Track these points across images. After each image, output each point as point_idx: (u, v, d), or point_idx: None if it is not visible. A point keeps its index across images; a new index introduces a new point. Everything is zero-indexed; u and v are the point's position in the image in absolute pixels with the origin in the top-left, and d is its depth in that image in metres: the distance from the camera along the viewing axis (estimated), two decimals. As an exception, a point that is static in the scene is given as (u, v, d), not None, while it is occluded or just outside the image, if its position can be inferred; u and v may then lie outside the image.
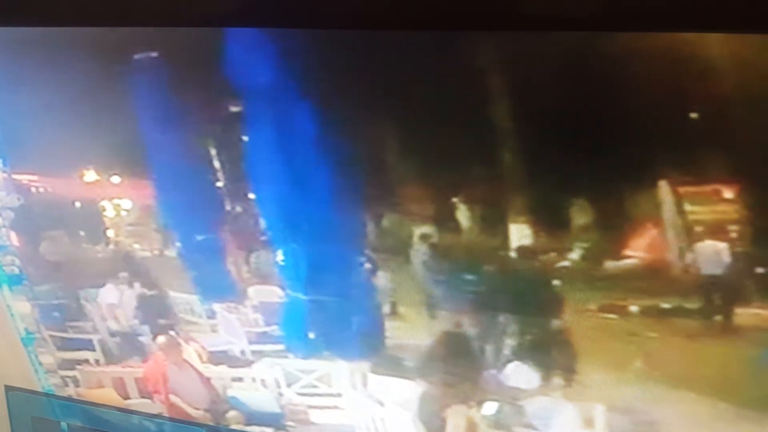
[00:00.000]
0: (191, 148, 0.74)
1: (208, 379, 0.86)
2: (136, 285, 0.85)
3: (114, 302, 0.86)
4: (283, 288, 0.77)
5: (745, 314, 0.58)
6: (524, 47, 0.57)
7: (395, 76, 0.62)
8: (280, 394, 0.82)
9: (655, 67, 0.53)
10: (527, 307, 0.66)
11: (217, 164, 0.74)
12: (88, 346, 0.90)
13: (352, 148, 0.67)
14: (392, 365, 0.75)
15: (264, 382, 0.82)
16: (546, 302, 0.65)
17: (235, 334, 0.82)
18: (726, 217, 0.56)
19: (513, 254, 0.64)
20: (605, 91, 0.56)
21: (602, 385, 0.65)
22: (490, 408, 0.71)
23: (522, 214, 0.63)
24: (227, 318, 0.82)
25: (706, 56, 0.52)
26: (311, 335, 0.78)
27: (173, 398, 0.88)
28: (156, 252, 0.82)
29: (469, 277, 0.68)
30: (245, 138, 0.71)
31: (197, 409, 0.87)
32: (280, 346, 0.80)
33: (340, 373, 0.78)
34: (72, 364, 0.92)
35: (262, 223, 0.75)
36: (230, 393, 0.85)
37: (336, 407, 0.80)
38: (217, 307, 0.82)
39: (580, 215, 0.61)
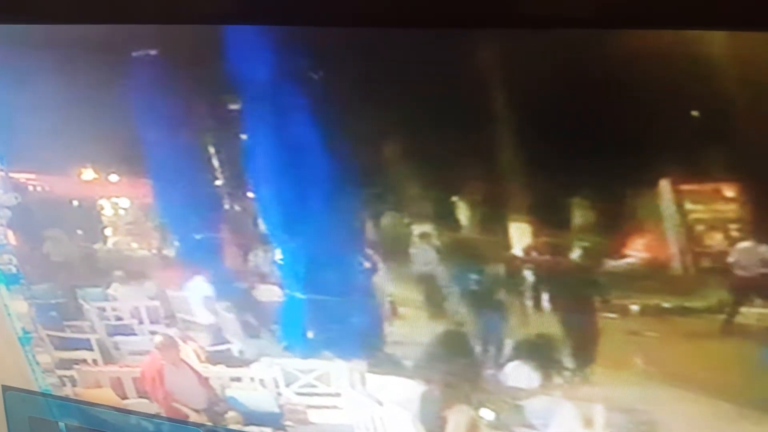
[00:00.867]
0: (189, 147, 0.74)
1: (206, 379, 0.85)
2: (134, 284, 0.85)
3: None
4: (281, 287, 0.77)
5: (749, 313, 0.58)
6: (523, 45, 0.57)
7: (394, 74, 0.62)
8: (279, 394, 0.82)
9: (655, 65, 0.53)
10: (537, 305, 0.66)
11: (215, 163, 0.73)
12: (85, 345, 0.89)
13: (351, 146, 0.66)
14: (391, 364, 0.74)
15: (263, 381, 0.82)
16: (553, 300, 0.65)
17: (234, 334, 0.82)
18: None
19: (514, 253, 0.64)
20: (605, 89, 0.55)
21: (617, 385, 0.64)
22: (489, 407, 0.71)
23: (524, 213, 0.63)
24: (226, 317, 0.82)
25: (708, 54, 0.52)
26: (310, 334, 0.78)
27: (171, 398, 0.88)
28: (154, 251, 0.82)
29: (468, 276, 0.67)
30: (244, 136, 0.71)
31: (195, 409, 0.87)
32: (279, 346, 0.80)
33: (339, 372, 0.78)
34: (69, 364, 0.91)
35: (261, 221, 0.75)
36: (228, 393, 0.85)
37: (335, 407, 0.80)
38: (215, 306, 0.82)
39: (585, 214, 0.61)
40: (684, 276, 0.59)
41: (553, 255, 0.63)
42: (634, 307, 0.62)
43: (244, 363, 0.82)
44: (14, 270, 0.89)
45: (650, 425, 0.64)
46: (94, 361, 0.90)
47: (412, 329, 0.72)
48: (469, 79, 0.60)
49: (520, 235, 0.63)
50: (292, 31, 0.64)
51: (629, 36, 0.53)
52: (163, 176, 0.77)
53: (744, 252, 0.56)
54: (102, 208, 0.82)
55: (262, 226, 0.75)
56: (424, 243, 0.68)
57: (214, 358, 0.84)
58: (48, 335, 0.91)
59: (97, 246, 0.84)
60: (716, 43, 0.51)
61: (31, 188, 0.84)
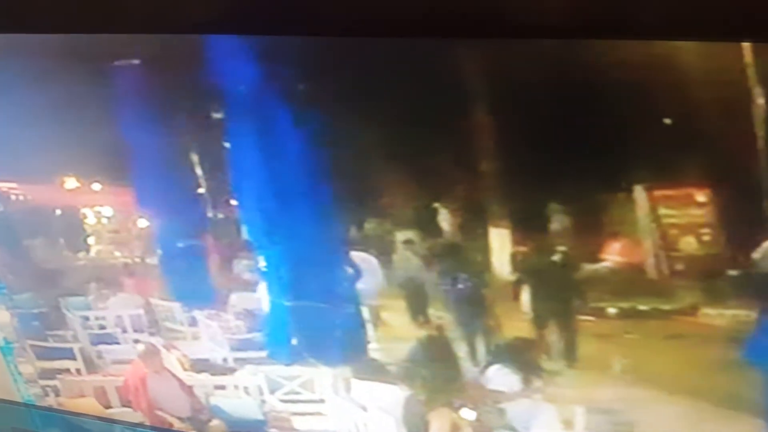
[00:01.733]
0: (173, 155, 0.74)
1: (190, 388, 0.85)
2: (117, 293, 0.85)
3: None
4: (265, 294, 0.77)
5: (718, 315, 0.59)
6: (503, 55, 0.58)
7: (378, 82, 0.63)
8: (263, 401, 0.82)
9: (629, 74, 0.54)
10: (516, 309, 0.67)
11: (199, 171, 0.74)
12: (68, 355, 0.89)
13: (334, 154, 0.67)
14: (375, 370, 0.75)
15: (247, 389, 0.82)
16: (533, 304, 0.66)
17: (217, 342, 0.82)
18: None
19: (493, 258, 0.65)
20: (581, 97, 0.57)
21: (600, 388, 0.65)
22: (472, 410, 0.72)
23: (504, 218, 0.63)
24: (209, 325, 0.82)
25: (680, 63, 0.53)
26: (294, 341, 0.78)
27: (155, 407, 0.88)
28: (137, 259, 0.82)
29: (451, 281, 0.68)
30: (227, 144, 0.71)
31: (179, 417, 0.87)
32: (263, 353, 0.80)
33: (323, 379, 0.78)
34: (52, 374, 0.91)
35: (245, 229, 0.75)
36: (213, 401, 0.85)
37: (319, 413, 0.80)
38: (198, 314, 0.82)
39: (562, 220, 0.62)
40: (659, 279, 0.60)
41: (531, 259, 0.64)
42: (612, 310, 0.63)
43: (228, 371, 0.83)
44: (-4, 280, 0.89)
45: (629, 425, 0.65)
46: (77, 371, 0.89)
47: (396, 334, 0.73)
48: (452, 88, 0.60)
49: (500, 241, 0.64)
50: (275, 40, 0.64)
51: (603, 45, 0.54)
52: (145, 185, 0.77)
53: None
54: (85, 217, 0.82)
55: (246, 234, 0.75)
56: (407, 249, 0.69)
57: (198, 366, 0.84)
58: (30, 345, 0.91)
59: (80, 255, 0.84)
60: (689, 51, 0.53)
61: (13, 197, 0.84)
